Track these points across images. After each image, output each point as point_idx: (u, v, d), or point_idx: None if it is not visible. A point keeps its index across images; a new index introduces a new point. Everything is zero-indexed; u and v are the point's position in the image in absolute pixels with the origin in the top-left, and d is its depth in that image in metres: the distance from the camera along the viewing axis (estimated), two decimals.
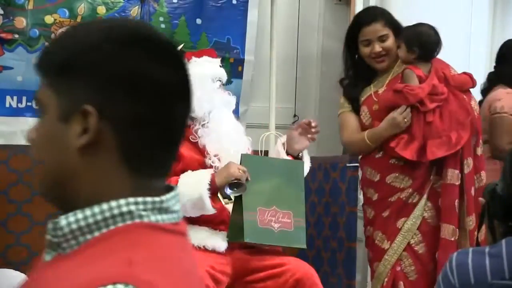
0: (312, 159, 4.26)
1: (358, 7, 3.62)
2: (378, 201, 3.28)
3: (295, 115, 4.78)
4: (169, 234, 1.06)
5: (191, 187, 2.78)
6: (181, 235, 1.09)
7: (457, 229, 3.15)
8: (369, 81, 3.39)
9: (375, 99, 3.31)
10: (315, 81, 4.97)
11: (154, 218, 1.05)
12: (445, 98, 3.17)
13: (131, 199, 1.04)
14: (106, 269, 0.96)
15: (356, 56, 3.40)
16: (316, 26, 4.83)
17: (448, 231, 3.14)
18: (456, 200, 3.15)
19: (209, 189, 2.77)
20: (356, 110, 3.39)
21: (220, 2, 4.52)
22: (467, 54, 3.85)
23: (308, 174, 4.35)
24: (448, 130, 3.14)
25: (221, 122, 2.97)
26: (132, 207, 1.03)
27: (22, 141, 4.21)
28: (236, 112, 4.52)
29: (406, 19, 3.41)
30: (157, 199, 1.06)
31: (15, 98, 4.18)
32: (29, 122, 4.23)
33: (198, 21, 4.48)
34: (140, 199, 1.04)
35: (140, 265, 0.98)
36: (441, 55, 3.66)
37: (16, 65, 4.15)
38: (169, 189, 1.10)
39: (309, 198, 4.37)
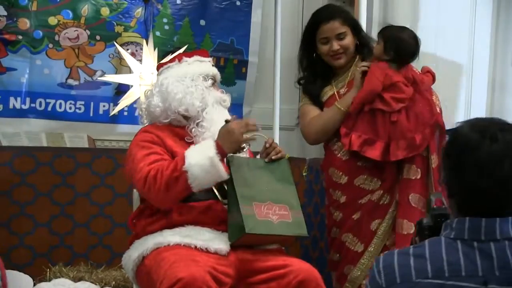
0: (315, 160, 4.26)
1: (362, 7, 3.61)
2: (347, 204, 3.24)
3: (298, 117, 4.77)
4: None
5: (199, 156, 2.78)
6: None
7: (413, 224, 3.11)
8: (327, 80, 3.37)
9: (338, 99, 3.29)
10: None
11: None
12: (410, 98, 3.15)
13: None
14: None
15: (314, 54, 3.39)
16: None
17: (401, 226, 3.11)
18: (411, 194, 3.12)
19: (217, 153, 2.78)
20: (318, 105, 3.37)
21: (224, 3, 4.53)
22: (470, 55, 3.84)
23: (311, 175, 4.35)
24: (414, 131, 3.13)
25: (215, 120, 2.96)
26: None
27: (26, 143, 4.24)
28: (239, 113, 4.55)
29: (409, 19, 3.40)
30: None
31: (18, 99, 4.19)
32: (33, 124, 4.23)
33: (202, 22, 4.49)
34: None
35: None
36: (444, 59, 3.66)
37: (19, 66, 4.16)
38: None
39: (312, 200, 4.37)
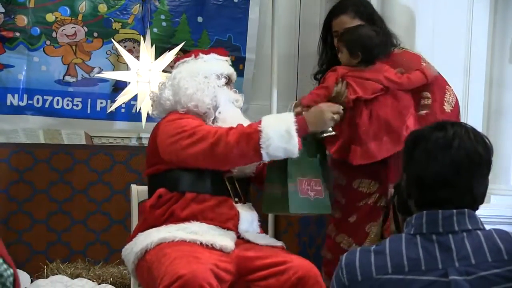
0: None
1: None
2: (345, 206, 3.24)
3: None
4: None
5: (276, 120, 2.80)
6: None
7: None
8: None
9: None
10: None
11: None
12: (351, 106, 3.09)
13: None
14: None
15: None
16: (317, 24, 4.81)
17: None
18: None
19: (295, 123, 2.77)
20: None
21: (221, 0, 4.52)
22: (467, 52, 3.84)
23: None
24: (373, 138, 3.07)
25: (228, 120, 2.97)
26: None
27: (24, 139, 4.24)
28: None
29: (406, 16, 3.40)
30: None
31: (16, 96, 4.18)
32: (30, 120, 4.23)
33: (199, 19, 4.48)
34: None
35: None
36: (441, 56, 3.65)
37: (17, 63, 4.15)
38: None
39: None
